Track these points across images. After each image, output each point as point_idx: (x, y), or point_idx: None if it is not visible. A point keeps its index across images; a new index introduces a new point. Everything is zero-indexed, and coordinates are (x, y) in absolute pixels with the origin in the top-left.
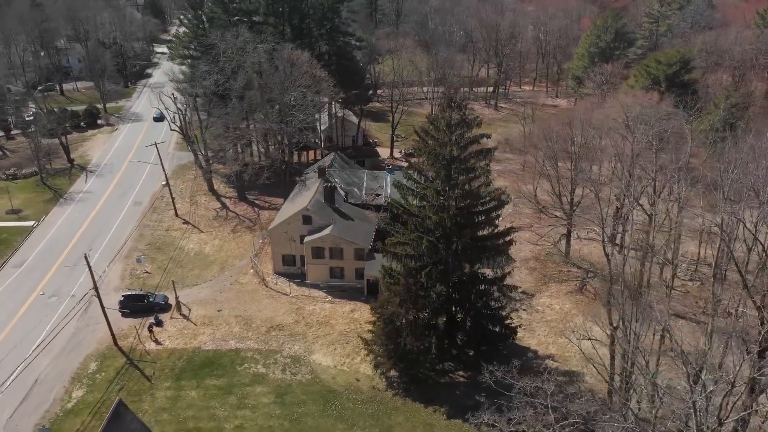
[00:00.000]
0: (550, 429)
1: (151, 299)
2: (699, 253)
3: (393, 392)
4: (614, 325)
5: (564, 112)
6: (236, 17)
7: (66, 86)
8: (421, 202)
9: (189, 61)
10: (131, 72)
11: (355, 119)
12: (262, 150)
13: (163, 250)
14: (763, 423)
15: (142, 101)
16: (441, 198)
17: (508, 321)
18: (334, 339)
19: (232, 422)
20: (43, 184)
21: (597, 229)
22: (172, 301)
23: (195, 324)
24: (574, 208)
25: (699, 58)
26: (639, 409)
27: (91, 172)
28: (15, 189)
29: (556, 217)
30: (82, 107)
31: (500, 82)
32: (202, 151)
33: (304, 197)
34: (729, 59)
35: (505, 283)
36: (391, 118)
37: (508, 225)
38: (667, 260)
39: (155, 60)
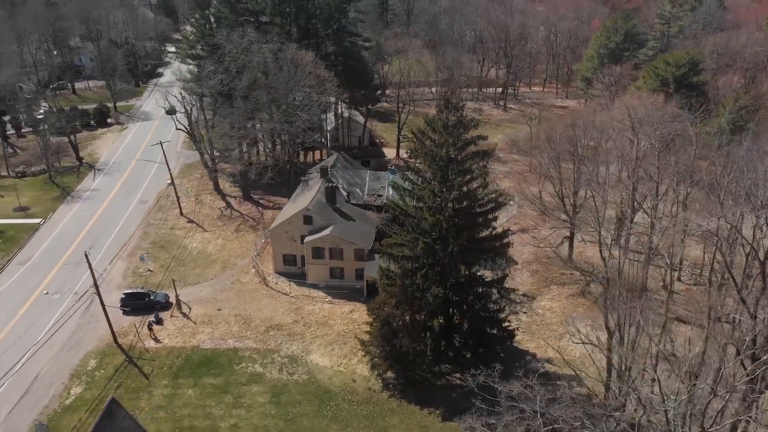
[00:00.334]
0: None
1: (151, 297)
2: (704, 257)
3: (389, 394)
4: (611, 329)
5: (570, 113)
6: (243, 17)
7: (78, 85)
8: (418, 203)
9: (196, 60)
10: (142, 71)
11: (361, 119)
12: (269, 149)
13: (167, 248)
14: None
15: (153, 100)
16: (438, 199)
17: (506, 324)
18: (332, 339)
19: (227, 421)
20: (51, 182)
21: (607, 232)
22: (173, 299)
23: (194, 323)
24: (577, 210)
25: (710, 59)
26: (639, 415)
27: (99, 170)
28: (23, 186)
29: (559, 219)
30: (93, 106)
31: (509, 82)
32: (208, 151)
33: (305, 197)
34: (740, 61)
35: (503, 285)
36: (397, 119)
37: (513, 226)
38: (666, 264)
39: (167, 59)
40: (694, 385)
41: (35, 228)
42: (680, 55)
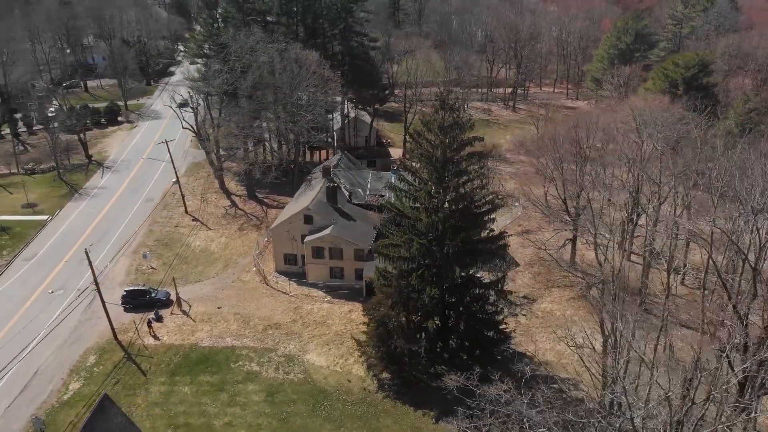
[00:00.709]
0: None
1: (152, 295)
2: (708, 261)
3: (383, 394)
4: (607, 333)
5: (573, 114)
6: (250, 17)
7: (90, 83)
8: (414, 204)
9: (203, 59)
10: (154, 70)
11: (368, 119)
12: (272, 149)
13: (170, 246)
14: None
15: (163, 99)
16: (434, 200)
17: (503, 326)
18: (329, 339)
19: (222, 419)
20: (60, 179)
21: (607, 235)
22: (174, 297)
23: (194, 320)
24: (580, 212)
25: (721, 61)
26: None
27: (107, 168)
28: (32, 183)
29: (562, 221)
30: (104, 104)
31: (518, 83)
32: (214, 149)
33: (307, 197)
34: (752, 63)
35: (500, 287)
36: (404, 119)
37: (517, 228)
38: (661, 267)
39: (178, 58)
40: (668, 395)
41: (42, 225)
42: (690, 56)
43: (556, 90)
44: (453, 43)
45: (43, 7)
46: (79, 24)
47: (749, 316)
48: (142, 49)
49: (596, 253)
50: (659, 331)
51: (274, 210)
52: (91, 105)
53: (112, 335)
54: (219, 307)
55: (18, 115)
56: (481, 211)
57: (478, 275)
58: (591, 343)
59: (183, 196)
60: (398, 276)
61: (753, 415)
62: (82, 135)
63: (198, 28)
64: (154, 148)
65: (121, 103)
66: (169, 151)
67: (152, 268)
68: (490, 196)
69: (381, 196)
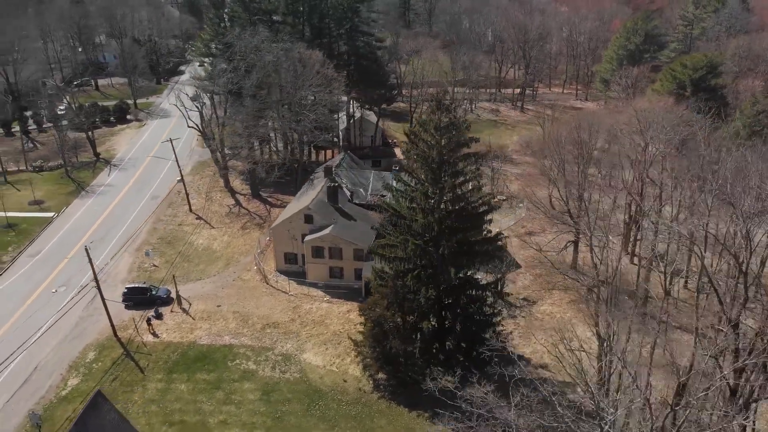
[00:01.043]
0: None
1: (153, 292)
2: (711, 264)
3: (379, 395)
4: (602, 336)
5: (575, 115)
6: (256, 16)
7: (101, 82)
8: (411, 205)
9: (210, 59)
10: (164, 69)
11: (374, 119)
12: (275, 148)
13: (173, 244)
14: None
15: (169, 98)
16: (430, 201)
17: (500, 328)
18: (326, 339)
19: (217, 417)
20: (67, 176)
21: (604, 237)
22: (174, 295)
23: (193, 318)
24: (582, 214)
25: (731, 62)
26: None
27: (114, 166)
28: (40, 181)
29: (563, 223)
30: (114, 102)
31: (527, 83)
32: (219, 148)
33: (308, 196)
34: (762, 64)
35: (497, 288)
36: (410, 119)
37: (521, 229)
38: (660, 270)
39: (189, 57)
40: (632, 400)
41: (48, 221)
42: (698, 57)
43: (565, 91)
44: (462, 44)
45: (56, 5)
46: (91, 23)
47: (746, 321)
48: (152, 48)
49: (591, 256)
50: (656, 335)
51: (277, 209)
52: (100, 103)
53: (112, 332)
54: (218, 306)
55: (28, 113)
56: (477, 212)
57: (478, 276)
58: (589, 347)
59: (187, 195)
60: (394, 276)
61: (742, 421)
62: (90, 133)
63: (205, 27)
64: (161, 146)
65: (130, 102)
66: (173, 150)
67: (154, 265)
68: (487, 197)
69: (382, 196)
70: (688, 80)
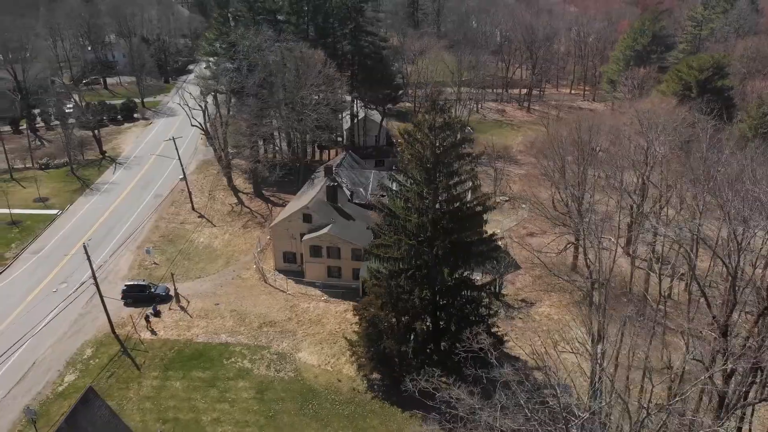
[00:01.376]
0: None
1: (152, 290)
2: (713, 267)
3: (372, 395)
4: (595, 339)
5: (580, 116)
6: (261, 16)
7: (110, 80)
8: (406, 205)
9: (214, 58)
10: (173, 68)
11: (379, 119)
12: (277, 147)
13: (175, 242)
14: None
15: (173, 98)
16: (425, 201)
17: (495, 329)
18: (322, 338)
19: (210, 415)
20: (72, 174)
21: (612, 239)
22: (173, 292)
23: (191, 316)
24: (582, 216)
25: (740, 63)
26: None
27: (119, 164)
28: (46, 178)
29: (562, 225)
30: (121, 101)
31: (534, 84)
32: (222, 147)
33: (308, 195)
34: None
35: (492, 289)
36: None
37: (522, 230)
38: (653, 271)
39: (198, 57)
40: (608, 403)
41: (52, 219)
42: (705, 58)
43: (573, 92)
44: (469, 44)
45: (66, 4)
46: (100, 21)
47: (744, 325)
48: (160, 47)
49: (585, 258)
50: (649, 338)
51: (279, 208)
52: (108, 102)
53: (110, 329)
54: (217, 304)
55: (36, 111)
56: (473, 212)
57: (477, 277)
58: (584, 349)
59: (190, 193)
60: (388, 276)
61: (738, 424)
62: (96, 131)
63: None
64: (166, 145)
65: (138, 100)
66: (176, 148)
67: (155, 263)
68: (482, 198)
69: (382, 195)
70: (694, 81)
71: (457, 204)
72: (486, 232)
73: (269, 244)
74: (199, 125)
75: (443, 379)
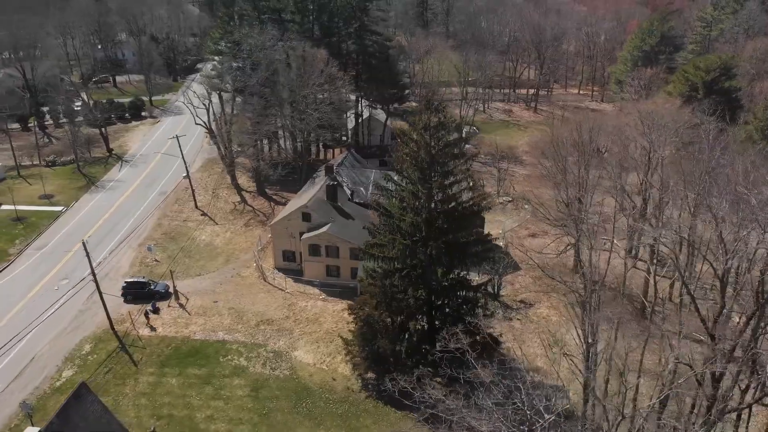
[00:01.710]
0: None
1: (152, 287)
2: (683, 271)
3: (366, 394)
4: (589, 341)
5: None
6: (265, 15)
7: (119, 78)
8: (401, 204)
9: (219, 56)
10: (182, 66)
11: (383, 118)
12: (280, 146)
13: (176, 240)
14: None
15: (179, 97)
16: (420, 200)
17: (490, 330)
18: (319, 337)
19: (204, 412)
20: (78, 171)
21: (609, 241)
22: (172, 289)
23: (189, 313)
24: (582, 217)
25: (749, 64)
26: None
27: (126, 161)
28: (52, 175)
29: (561, 225)
30: (130, 99)
31: (541, 84)
32: (226, 145)
33: (308, 194)
34: None
35: (488, 290)
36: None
37: (524, 231)
38: (648, 271)
39: (206, 57)
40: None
41: (56, 215)
42: (712, 59)
43: (581, 92)
44: (477, 43)
45: (77, 3)
46: (110, 20)
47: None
48: (169, 46)
49: (579, 260)
50: (643, 340)
51: (281, 206)
52: (117, 100)
53: (109, 325)
54: (215, 301)
55: (45, 109)
56: (468, 212)
57: (475, 278)
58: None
59: (193, 191)
60: (383, 275)
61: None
62: (103, 129)
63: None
64: (173, 143)
65: (146, 99)
66: (179, 147)
67: (156, 260)
68: (478, 198)
69: (380, 195)
70: (701, 82)
71: (452, 204)
72: (481, 232)
73: (270, 243)
74: (203, 124)
75: (438, 379)
